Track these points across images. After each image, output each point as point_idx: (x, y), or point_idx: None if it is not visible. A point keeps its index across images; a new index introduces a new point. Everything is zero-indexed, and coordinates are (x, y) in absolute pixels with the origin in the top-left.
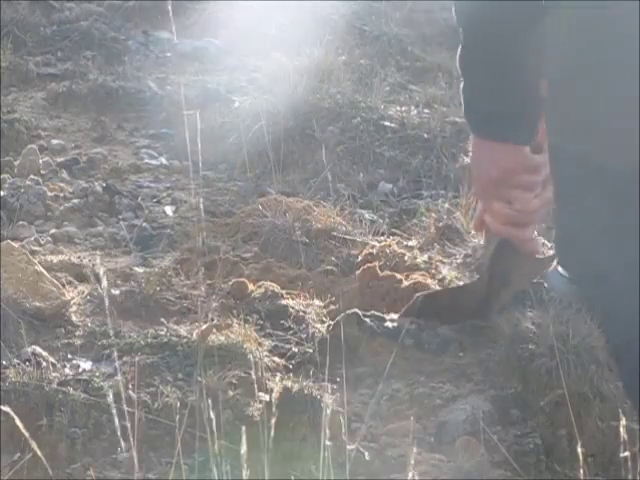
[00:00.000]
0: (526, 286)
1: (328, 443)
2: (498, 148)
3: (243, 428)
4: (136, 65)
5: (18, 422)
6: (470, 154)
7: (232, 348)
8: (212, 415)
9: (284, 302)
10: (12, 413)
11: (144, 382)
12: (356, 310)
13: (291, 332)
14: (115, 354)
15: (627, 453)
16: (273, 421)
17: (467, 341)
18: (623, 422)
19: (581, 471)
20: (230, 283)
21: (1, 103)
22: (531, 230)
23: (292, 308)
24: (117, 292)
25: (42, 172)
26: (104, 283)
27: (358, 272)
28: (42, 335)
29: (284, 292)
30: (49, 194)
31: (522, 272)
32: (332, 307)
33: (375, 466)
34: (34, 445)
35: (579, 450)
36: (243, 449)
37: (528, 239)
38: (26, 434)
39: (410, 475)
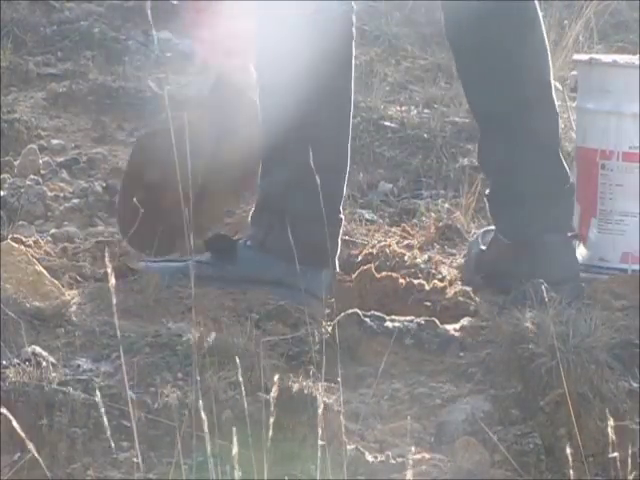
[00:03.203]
0: None
1: (323, 443)
2: None
3: (234, 429)
4: (136, 65)
5: (15, 424)
6: None
7: (232, 348)
8: (211, 415)
9: (284, 302)
10: (9, 415)
11: (144, 382)
12: (356, 310)
13: (291, 332)
14: (119, 353)
15: (616, 454)
16: (271, 420)
17: (467, 341)
18: (611, 423)
19: (581, 471)
20: None
21: (1, 103)
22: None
23: (292, 308)
24: (117, 292)
25: (42, 172)
26: (112, 281)
27: (354, 275)
28: (42, 335)
29: None
30: (49, 194)
31: None
32: (332, 307)
33: (375, 466)
34: (31, 446)
35: (579, 450)
36: (234, 450)
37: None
38: (22, 434)
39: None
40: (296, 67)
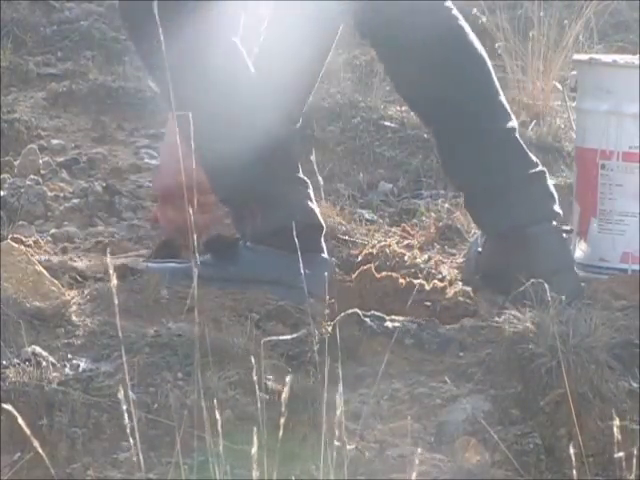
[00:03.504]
0: None
1: (327, 443)
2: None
3: (254, 429)
4: (136, 65)
5: (20, 421)
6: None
7: (232, 348)
8: (211, 415)
9: (284, 302)
10: (14, 411)
11: (144, 382)
12: (356, 310)
13: (291, 332)
14: (119, 353)
15: (621, 454)
16: (282, 421)
17: (467, 341)
18: (617, 422)
19: (581, 471)
20: None
21: (1, 103)
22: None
23: (292, 308)
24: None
25: (42, 172)
26: (114, 281)
27: (354, 275)
28: (42, 335)
29: None
30: (49, 194)
31: None
32: (332, 307)
33: (375, 466)
34: (36, 443)
35: (579, 450)
36: (253, 450)
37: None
38: (27, 431)
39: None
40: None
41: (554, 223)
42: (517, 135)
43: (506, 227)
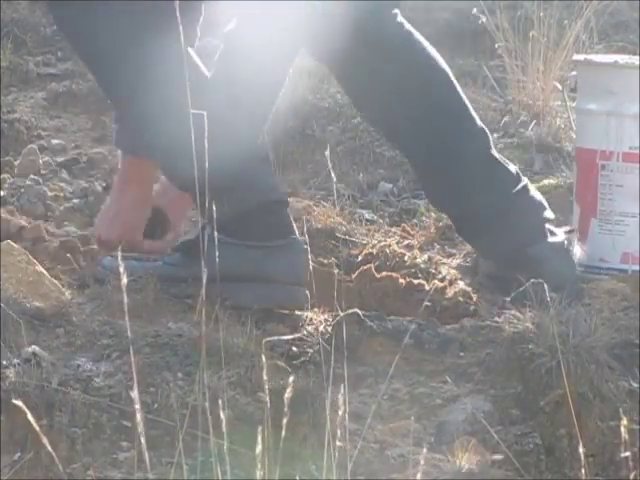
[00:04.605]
0: None
1: (328, 443)
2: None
3: (259, 428)
4: None
5: (30, 417)
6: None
7: (232, 348)
8: (213, 415)
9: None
10: (24, 407)
11: (144, 382)
12: (356, 310)
13: (291, 332)
14: (119, 353)
15: (628, 453)
16: (285, 421)
17: (467, 341)
18: (624, 422)
19: (582, 471)
20: None
21: (1, 103)
22: None
23: (292, 307)
24: (117, 292)
25: (42, 172)
26: (124, 280)
27: (354, 275)
28: (42, 335)
29: None
30: (49, 194)
31: None
32: (332, 307)
33: (375, 466)
34: (45, 440)
35: (579, 450)
36: (258, 449)
37: None
38: (36, 427)
39: (418, 475)
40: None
41: (549, 228)
42: (493, 151)
43: (505, 251)
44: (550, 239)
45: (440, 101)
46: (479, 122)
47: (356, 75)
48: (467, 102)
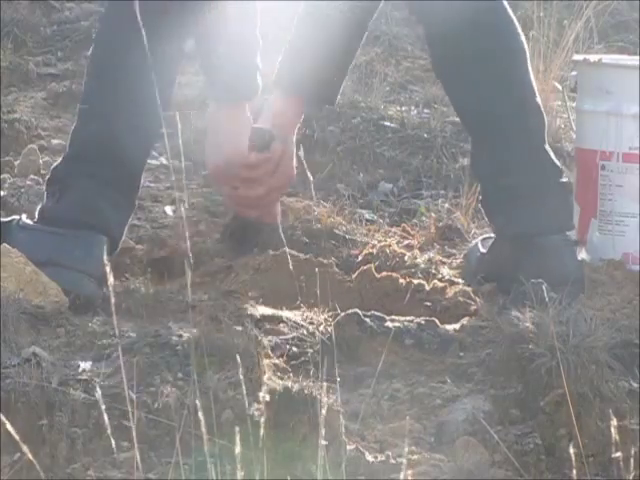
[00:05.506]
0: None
1: (326, 443)
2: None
3: (237, 428)
4: None
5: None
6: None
7: (232, 348)
8: (211, 415)
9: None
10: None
11: (144, 382)
12: (356, 310)
13: (291, 332)
14: (119, 353)
15: (619, 454)
16: (262, 420)
17: (467, 341)
18: (614, 423)
19: (581, 471)
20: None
21: (1, 103)
22: (265, 210)
23: (292, 308)
24: (118, 291)
25: (42, 172)
26: (110, 280)
27: (354, 275)
28: (42, 335)
29: None
30: None
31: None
32: (332, 307)
33: (375, 466)
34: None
35: (579, 450)
36: (237, 449)
37: (264, 216)
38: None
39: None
40: None
41: (570, 237)
42: (546, 145)
43: (526, 233)
44: (566, 236)
45: (516, 80)
46: (542, 109)
47: (454, 48)
48: (535, 91)
